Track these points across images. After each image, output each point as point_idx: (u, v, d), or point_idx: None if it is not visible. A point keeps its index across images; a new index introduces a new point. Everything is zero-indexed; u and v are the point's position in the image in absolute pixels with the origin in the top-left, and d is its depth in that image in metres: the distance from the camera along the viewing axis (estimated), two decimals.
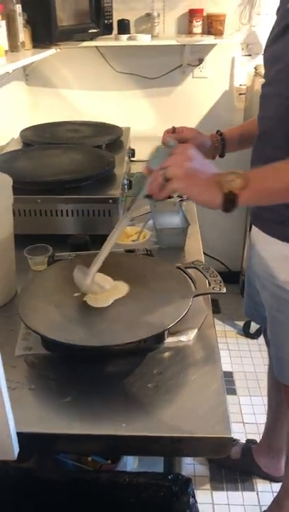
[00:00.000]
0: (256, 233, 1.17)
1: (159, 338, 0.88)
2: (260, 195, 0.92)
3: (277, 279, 1.11)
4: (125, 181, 1.49)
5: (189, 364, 0.89)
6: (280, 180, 0.89)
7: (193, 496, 0.77)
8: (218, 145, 1.27)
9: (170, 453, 0.83)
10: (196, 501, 0.76)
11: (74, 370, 0.88)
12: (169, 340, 0.92)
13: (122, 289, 0.97)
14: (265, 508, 1.51)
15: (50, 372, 0.87)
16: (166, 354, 0.91)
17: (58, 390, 0.83)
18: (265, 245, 1.15)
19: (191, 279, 1.00)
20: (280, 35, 1.03)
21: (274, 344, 1.23)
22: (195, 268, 1.04)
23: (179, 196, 1.59)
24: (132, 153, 1.82)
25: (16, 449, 0.67)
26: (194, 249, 1.31)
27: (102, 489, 0.81)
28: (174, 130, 1.26)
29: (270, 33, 1.09)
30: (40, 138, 1.76)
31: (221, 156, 1.29)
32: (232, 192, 0.87)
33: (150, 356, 0.90)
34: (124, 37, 2.10)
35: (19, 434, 0.67)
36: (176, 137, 1.22)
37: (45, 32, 1.78)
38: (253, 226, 1.18)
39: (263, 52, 1.13)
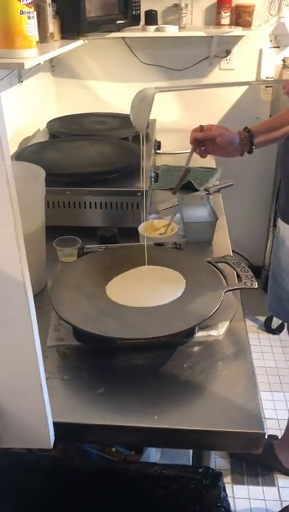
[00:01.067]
0: (286, 230, 1.16)
1: (191, 332, 0.88)
2: None
3: None
4: (152, 174, 1.49)
5: (219, 358, 0.89)
6: None
7: (224, 490, 0.77)
8: (247, 141, 1.26)
9: (201, 446, 0.84)
10: (226, 495, 0.76)
11: (105, 361, 0.89)
12: (200, 335, 0.92)
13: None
14: (286, 503, 1.51)
15: (82, 363, 0.88)
16: (197, 348, 0.91)
17: (90, 381, 0.84)
18: None
19: (221, 273, 1.00)
20: None
21: None
22: (226, 263, 1.03)
23: (205, 190, 1.59)
24: (158, 145, 1.82)
25: (52, 438, 0.68)
26: (222, 243, 1.30)
27: (132, 480, 0.82)
28: (201, 128, 1.25)
29: None
30: (67, 129, 1.77)
31: (250, 152, 1.29)
32: None
33: (180, 350, 0.90)
34: (152, 28, 2.08)
35: (54, 424, 0.68)
36: (205, 135, 1.23)
37: (73, 23, 1.77)
38: (283, 223, 1.17)
39: None
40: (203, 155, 1.28)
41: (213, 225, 1.29)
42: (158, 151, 1.83)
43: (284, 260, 1.20)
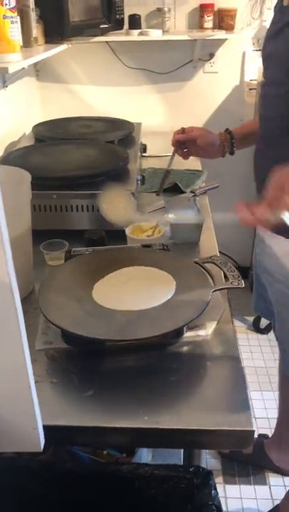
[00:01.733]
0: (268, 235, 1.17)
1: (179, 332, 0.89)
2: None
3: (284, 276, 1.11)
4: (138, 177, 1.49)
5: (208, 358, 0.90)
6: None
7: (215, 489, 0.77)
8: (227, 143, 1.28)
9: (192, 445, 0.84)
10: (217, 493, 0.77)
11: (94, 364, 0.89)
12: (188, 335, 0.92)
13: None
14: (277, 501, 1.52)
15: (71, 366, 0.87)
16: (185, 348, 0.91)
17: (79, 384, 0.84)
18: (271, 242, 1.15)
19: (209, 273, 1.00)
20: (278, 34, 1.03)
21: (281, 340, 1.24)
22: (212, 263, 1.04)
23: (191, 192, 1.60)
24: (144, 148, 1.82)
25: (43, 442, 0.68)
26: (208, 244, 1.31)
27: (124, 481, 0.82)
28: (183, 130, 1.26)
29: (267, 31, 1.09)
30: (53, 133, 1.77)
31: (231, 153, 1.30)
32: None
33: (169, 350, 0.91)
34: (135, 32, 2.10)
35: (44, 427, 0.68)
36: (186, 137, 1.25)
37: (57, 27, 1.78)
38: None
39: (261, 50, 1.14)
40: (185, 157, 1.30)
41: (200, 226, 1.30)
42: (144, 154, 1.84)
43: (265, 261, 1.21)
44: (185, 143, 1.27)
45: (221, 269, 1.03)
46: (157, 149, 1.96)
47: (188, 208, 1.41)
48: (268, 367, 2.09)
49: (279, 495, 1.56)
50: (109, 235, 1.24)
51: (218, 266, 1.03)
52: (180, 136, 1.26)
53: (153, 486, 0.81)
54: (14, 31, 1.28)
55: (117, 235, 1.28)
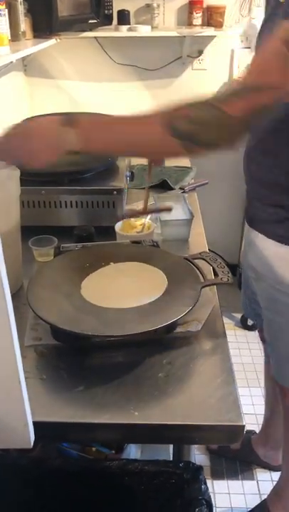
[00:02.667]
0: (254, 234, 1.16)
1: (169, 328, 0.89)
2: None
3: (272, 280, 1.11)
4: (127, 173, 1.49)
5: (198, 354, 0.90)
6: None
7: (205, 483, 0.78)
8: None
9: (182, 441, 0.84)
10: (207, 488, 0.77)
11: (84, 360, 0.88)
12: (178, 331, 0.92)
13: None
14: (265, 496, 1.53)
15: (61, 362, 0.87)
16: (175, 344, 0.92)
17: (69, 380, 0.83)
18: (262, 246, 1.13)
19: (198, 269, 1.01)
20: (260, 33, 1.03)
21: (270, 344, 1.24)
22: (202, 259, 1.04)
23: (180, 188, 1.60)
24: None
25: (32, 438, 0.67)
26: (198, 240, 1.32)
27: (114, 477, 0.82)
28: None
29: (262, 31, 1.04)
30: None
31: None
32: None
33: (159, 346, 0.91)
34: (124, 28, 2.09)
35: (33, 424, 0.67)
36: None
37: (45, 22, 1.76)
38: (250, 228, 1.17)
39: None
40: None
41: (189, 223, 1.30)
42: None
43: (254, 262, 1.19)
44: None
45: (211, 264, 1.03)
46: None
47: (177, 205, 1.41)
48: (255, 363, 2.11)
49: (266, 490, 1.57)
50: (98, 231, 1.24)
51: (207, 262, 1.03)
52: None
53: (143, 481, 0.81)
54: (2, 24, 1.27)
55: (106, 231, 1.28)
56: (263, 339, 1.52)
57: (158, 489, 0.80)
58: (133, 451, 1.34)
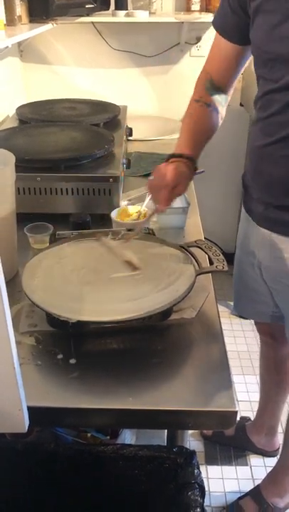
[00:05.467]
0: (267, 233, 1.10)
1: (164, 314, 0.89)
2: None
3: None
4: (124, 160, 1.48)
5: (193, 340, 0.91)
6: None
7: (198, 468, 0.79)
8: (191, 166, 1.12)
9: (175, 426, 0.85)
10: (200, 472, 0.78)
11: (79, 346, 0.89)
12: (173, 317, 0.93)
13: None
14: (258, 481, 1.55)
15: (56, 348, 0.87)
16: (170, 331, 0.92)
17: (64, 366, 0.84)
18: (284, 247, 1.07)
19: (194, 257, 1.01)
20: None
21: None
22: (198, 247, 1.05)
23: None
24: (130, 132, 1.81)
25: (27, 423, 0.68)
26: (194, 229, 1.32)
27: (108, 461, 0.83)
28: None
29: (276, 27, 0.92)
30: (37, 115, 1.74)
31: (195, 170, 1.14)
32: None
33: (153, 333, 0.91)
34: (122, 13, 2.06)
35: (29, 408, 0.68)
36: (170, 193, 1.04)
37: (41, 6, 1.74)
38: (273, 233, 1.09)
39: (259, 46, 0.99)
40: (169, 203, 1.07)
41: (186, 211, 1.30)
42: (130, 138, 1.82)
43: (276, 266, 1.12)
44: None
45: (206, 253, 1.03)
46: (143, 133, 1.95)
47: None
48: (250, 351, 2.12)
49: (259, 475, 1.59)
50: (94, 218, 1.24)
51: (203, 250, 1.04)
52: (165, 195, 1.03)
53: (137, 466, 0.82)
54: None
55: (102, 218, 1.28)
56: (261, 331, 1.53)
57: (151, 473, 0.81)
58: (128, 437, 1.35)
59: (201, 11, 2.15)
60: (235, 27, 1.06)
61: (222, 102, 1.16)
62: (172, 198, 1.04)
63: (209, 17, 2.11)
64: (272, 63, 0.96)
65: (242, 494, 1.53)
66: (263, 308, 1.27)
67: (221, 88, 1.15)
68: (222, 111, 1.17)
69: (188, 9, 2.15)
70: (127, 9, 2.10)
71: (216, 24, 1.12)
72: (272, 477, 1.51)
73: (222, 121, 1.18)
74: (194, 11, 2.14)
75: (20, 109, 1.82)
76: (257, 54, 1.02)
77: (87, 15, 2.05)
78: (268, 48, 0.96)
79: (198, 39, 2.25)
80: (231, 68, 1.14)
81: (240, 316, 2.36)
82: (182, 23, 2.16)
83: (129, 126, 1.81)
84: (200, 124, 1.15)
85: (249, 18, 1.00)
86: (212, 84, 1.15)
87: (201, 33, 2.24)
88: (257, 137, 1.06)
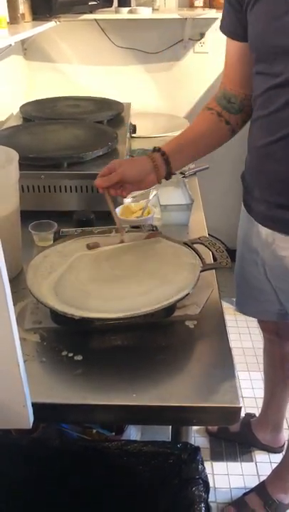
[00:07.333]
0: (283, 239, 1.06)
1: (168, 311, 0.89)
2: None
3: None
4: (127, 157, 1.48)
5: (196, 337, 0.91)
6: None
7: (202, 463, 0.79)
8: (161, 165, 1.06)
9: (179, 422, 0.85)
10: (204, 468, 0.79)
11: (84, 342, 0.89)
12: (176, 314, 0.93)
13: None
14: (263, 477, 1.55)
15: (61, 345, 0.88)
16: (174, 327, 0.92)
17: (68, 362, 0.84)
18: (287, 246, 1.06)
19: (197, 254, 1.01)
20: None
21: None
22: (201, 244, 1.05)
23: (181, 173, 1.60)
24: (134, 129, 1.81)
25: (31, 419, 0.68)
26: (198, 225, 1.31)
27: (112, 457, 0.83)
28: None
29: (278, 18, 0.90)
30: (41, 113, 1.74)
31: (168, 177, 1.09)
32: None
33: (158, 329, 0.92)
34: (125, 10, 2.06)
35: (33, 405, 0.68)
36: (113, 179, 1.01)
37: (44, 3, 1.74)
38: (276, 232, 1.07)
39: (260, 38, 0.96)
40: (123, 194, 1.07)
41: (189, 207, 1.30)
42: (133, 135, 1.82)
43: (282, 266, 1.10)
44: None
45: (210, 249, 1.03)
46: (147, 130, 1.94)
47: (177, 190, 1.41)
48: (255, 348, 2.12)
49: (264, 471, 1.60)
50: (97, 215, 1.24)
51: (206, 246, 1.03)
52: (105, 180, 1.01)
53: (141, 462, 0.82)
54: (0, 6, 1.25)
55: (106, 216, 1.27)
56: (265, 329, 1.53)
57: (156, 469, 0.81)
58: (133, 433, 1.36)
59: (204, 6, 2.14)
60: (239, 25, 1.02)
61: (232, 111, 1.11)
62: (113, 182, 1.01)
63: (213, 13, 2.10)
64: (274, 56, 0.93)
65: (247, 490, 1.53)
66: (267, 307, 1.26)
67: (236, 97, 1.10)
68: (234, 120, 1.12)
69: (191, 5, 2.15)
70: (130, 6, 2.10)
71: (224, 28, 1.09)
72: (278, 473, 1.51)
73: (234, 133, 1.14)
74: (198, 7, 2.13)
75: (24, 107, 1.82)
76: (256, 48, 0.98)
77: (91, 12, 2.05)
78: (269, 40, 0.93)
79: (202, 35, 2.24)
80: (247, 65, 1.04)
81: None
82: (185, 19, 2.15)
83: (133, 123, 1.81)
84: (199, 126, 1.12)
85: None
86: (224, 94, 1.11)
87: (204, 29, 2.23)
88: (258, 136, 1.04)
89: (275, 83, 0.94)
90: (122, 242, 1.05)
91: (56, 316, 0.88)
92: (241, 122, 1.13)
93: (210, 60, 2.30)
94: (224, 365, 0.83)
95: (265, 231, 1.10)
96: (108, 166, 1.03)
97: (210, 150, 1.14)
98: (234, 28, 1.05)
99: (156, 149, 1.08)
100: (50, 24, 1.76)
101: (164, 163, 1.06)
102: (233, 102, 1.10)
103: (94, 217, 1.22)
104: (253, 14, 0.96)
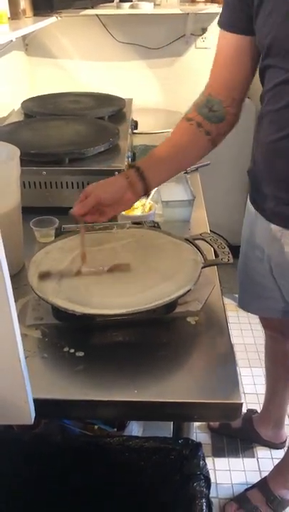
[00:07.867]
0: (277, 229, 1.06)
1: (169, 307, 0.89)
2: None
3: None
4: (129, 153, 1.48)
5: (198, 333, 0.91)
6: None
7: (204, 459, 0.79)
8: (137, 181, 1.01)
9: (180, 418, 0.86)
10: (206, 464, 0.79)
11: (85, 339, 0.89)
12: (178, 310, 0.93)
13: None
14: (265, 473, 1.55)
15: (62, 341, 0.88)
16: (175, 323, 0.92)
17: (70, 359, 0.84)
18: None
19: (199, 250, 1.01)
20: None
21: None
22: (203, 240, 1.04)
23: None
24: (135, 125, 1.80)
25: (33, 415, 0.69)
26: (199, 222, 1.31)
27: (114, 453, 0.84)
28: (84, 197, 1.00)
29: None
30: (42, 109, 1.74)
31: (145, 193, 1.04)
32: None
33: (160, 326, 0.92)
34: (126, 5, 2.05)
35: (35, 401, 0.68)
36: (90, 203, 0.98)
37: None
38: (284, 229, 1.06)
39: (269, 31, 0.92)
40: (102, 220, 1.02)
41: (191, 203, 1.30)
42: (135, 131, 1.82)
43: (275, 258, 1.12)
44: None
45: (211, 245, 1.03)
46: (148, 126, 1.94)
47: (179, 186, 1.41)
48: (257, 344, 2.12)
49: (266, 467, 1.60)
50: None
51: (208, 242, 1.03)
52: (81, 207, 0.97)
53: (143, 457, 0.82)
54: (1, 2, 1.25)
55: None
56: (267, 326, 1.53)
57: (157, 465, 0.82)
58: (135, 429, 1.36)
59: (206, 1, 2.14)
60: (244, 17, 0.98)
61: (214, 120, 1.07)
62: (89, 207, 0.97)
63: (215, 8, 2.09)
64: (287, 50, 0.90)
65: (249, 486, 1.53)
66: (271, 304, 1.26)
67: (220, 103, 1.06)
68: (215, 130, 1.07)
69: (193, 0, 2.13)
70: (131, 1, 2.09)
71: (224, 21, 1.04)
72: (280, 469, 1.51)
73: (214, 145, 1.09)
74: (199, 1, 2.12)
75: (26, 103, 1.82)
76: (268, 42, 0.94)
77: (92, 7, 2.04)
78: (285, 33, 0.89)
79: (204, 30, 2.23)
80: (245, 64, 1.04)
81: None
82: (187, 14, 2.15)
83: (135, 119, 1.81)
84: (177, 138, 1.08)
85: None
86: (208, 101, 1.08)
87: (206, 25, 2.22)
88: (267, 131, 1.02)
89: (287, 77, 0.92)
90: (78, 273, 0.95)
91: (58, 312, 0.88)
92: (223, 132, 1.08)
93: (212, 55, 2.27)
94: (226, 361, 0.83)
95: (273, 228, 1.08)
96: (84, 192, 0.99)
97: (189, 163, 1.11)
98: (237, 21, 1.00)
99: (131, 166, 1.04)
100: (52, 20, 1.75)
101: (140, 179, 1.00)
102: (215, 109, 1.06)
103: None
104: (267, 6, 0.92)
